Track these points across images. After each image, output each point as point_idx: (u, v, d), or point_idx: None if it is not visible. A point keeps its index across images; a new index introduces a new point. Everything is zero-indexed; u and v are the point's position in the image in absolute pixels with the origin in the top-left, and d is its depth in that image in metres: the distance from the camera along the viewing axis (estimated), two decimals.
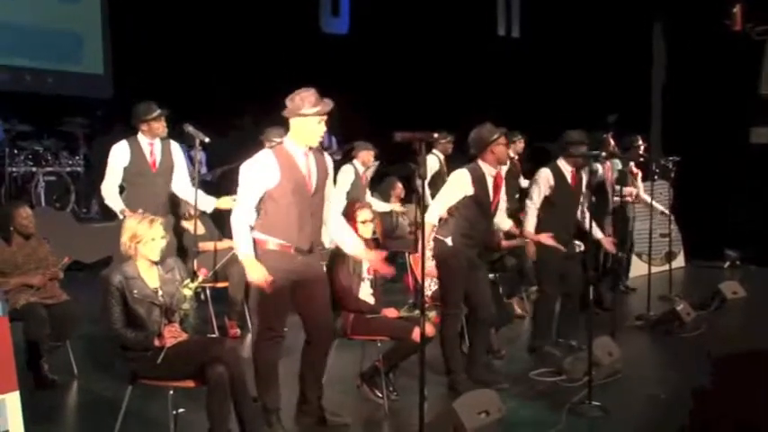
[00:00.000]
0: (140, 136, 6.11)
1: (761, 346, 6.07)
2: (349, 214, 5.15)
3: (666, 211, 9.24)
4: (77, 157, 10.49)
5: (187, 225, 6.79)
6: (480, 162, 5.37)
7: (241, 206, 4.39)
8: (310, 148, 4.44)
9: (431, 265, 6.31)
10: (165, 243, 4.28)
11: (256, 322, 4.49)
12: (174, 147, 6.33)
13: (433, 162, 8.88)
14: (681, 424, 4.88)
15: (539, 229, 6.19)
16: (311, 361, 4.62)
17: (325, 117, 4.38)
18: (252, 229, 4.39)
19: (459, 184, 5.33)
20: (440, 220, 5.44)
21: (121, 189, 6.26)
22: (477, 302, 5.45)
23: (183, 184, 6.35)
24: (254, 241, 4.39)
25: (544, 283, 6.38)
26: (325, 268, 4.94)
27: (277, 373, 4.52)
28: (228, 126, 10.07)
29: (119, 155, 6.10)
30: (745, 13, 10.99)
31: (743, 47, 10.95)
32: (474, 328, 5.58)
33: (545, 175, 6.20)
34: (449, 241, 5.34)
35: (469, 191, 5.31)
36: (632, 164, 8.58)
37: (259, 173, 4.34)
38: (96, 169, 10.79)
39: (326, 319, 4.61)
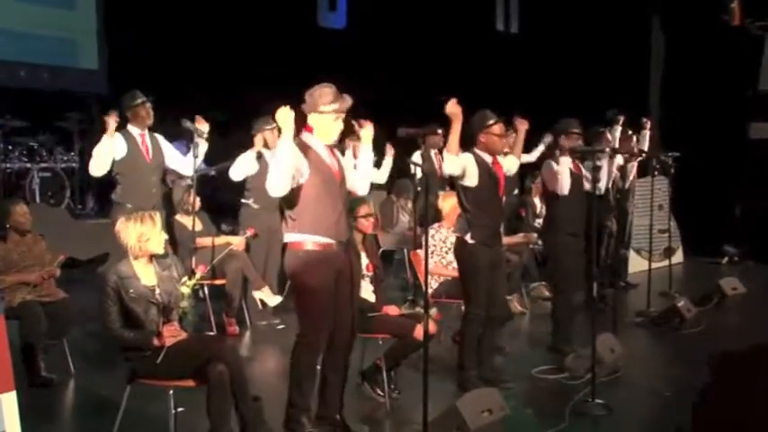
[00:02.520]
0: (131, 127, 6.17)
1: (763, 342, 6.04)
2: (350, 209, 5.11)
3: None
4: (72, 153, 10.43)
5: (184, 221, 6.74)
6: (476, 150, 5.31)
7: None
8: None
9: (434, 262, 6.29)
10: (165, 235, 4.24)
11: (301, 325, 4.34)
12: (161, 138, 6.39)
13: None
14: (684, 421, 4.84)
15: (554, 225, 6.15)
16: (333, 363, 4.44)
17: (342, 115, 4.28)
18: (287, 232, 4.29)
19: (463, 159, 5.22)
20: (458, 216, 5.42)
21: (114, 183, 6.22)
22: (492, 301, 5.37)
23: (179, 160, 6.38)
24: (289, 245, 4.30)
25: (563, 282, 6.26)
26: None
27: (315, 376, 4.39)
28: (225, 121, 9.99)
29: (114, 144, 6.05)
30: (743, 7, 10.94)
31: (742, 42, 10.91)
32: (484, 326, 5.45)
33: (556, 167, 6.11)
34: (469, 238, 5.25)
35: (473, 172, 5.22)
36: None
37: (296, 152, 4.16)
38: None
39: (352, 320, 4.45)
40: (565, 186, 6.03)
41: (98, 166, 6.08)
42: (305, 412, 4.34)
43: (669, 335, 6.92)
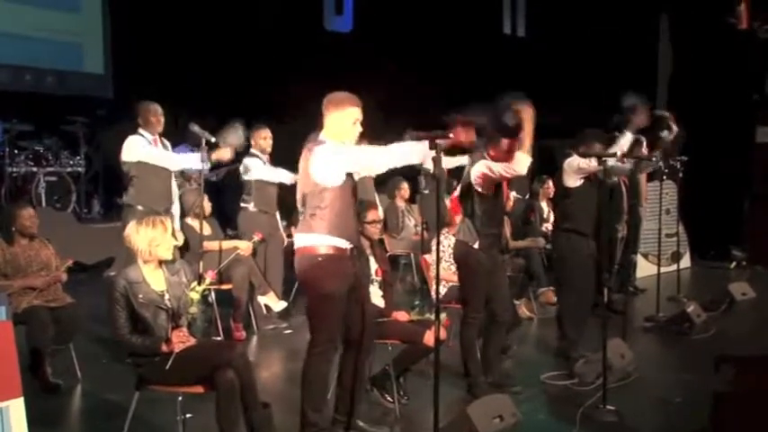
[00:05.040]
0: (143, 131, 6.19)
1: None
2: (357, 213, 5.06)
3: None
4: (78, 157, 10.41)
5: (195, 224, 6.71)
6: (488, 159, 5.26)
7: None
8: None
9: (443, 268, 6.22)
10: (174, 241, 4.21)
11: (315, 334, 4.19)
12: (170, 147, 6.42)
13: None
14: (697, 428, 4.79)
15: (563, 222, 6.09)
16: (354, 369, 4.36)
17: (359, 118, 4.24)
18: (301, 233, 4.16)
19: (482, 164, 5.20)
20: (461, 221, 5.39)
21: (126, 185, 6.22)
22: (496, 304, 5.34)
23: None
24: (302, 250, 4.14)
25: (568, 283, 6.15)
26: None
27: (328, 389, 4.32)
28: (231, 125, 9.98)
29: (141, 142, 6.09)
30: (750, 11, 10.91)
31: (749, 45, 10.87)
32: (491, 330, 5.43)
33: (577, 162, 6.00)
34: (476, 245, 5.22)
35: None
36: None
37: None
38: (97, 169, 10.75)
39: (371, 324, 4.40)
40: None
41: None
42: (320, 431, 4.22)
43: (679, 340, 6.87)
